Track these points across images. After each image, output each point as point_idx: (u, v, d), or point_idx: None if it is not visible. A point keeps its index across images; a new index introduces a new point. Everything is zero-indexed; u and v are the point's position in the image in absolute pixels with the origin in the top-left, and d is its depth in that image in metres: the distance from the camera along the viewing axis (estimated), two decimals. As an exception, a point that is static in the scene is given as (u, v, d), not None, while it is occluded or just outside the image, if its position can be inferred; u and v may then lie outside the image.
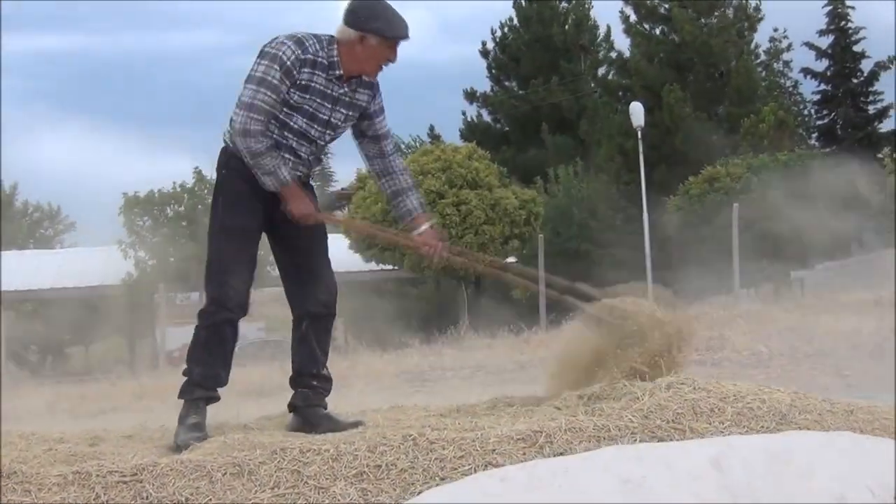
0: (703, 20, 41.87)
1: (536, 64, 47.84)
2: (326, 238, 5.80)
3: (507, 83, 50.59)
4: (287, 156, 5.45)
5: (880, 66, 46.06)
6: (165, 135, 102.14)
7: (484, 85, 50.20)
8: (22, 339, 43.34)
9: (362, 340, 19.25)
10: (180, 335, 48.16)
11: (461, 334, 19.52)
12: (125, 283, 36.54)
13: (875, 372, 10.43)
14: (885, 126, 45.84)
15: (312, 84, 5.37)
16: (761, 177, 32.99)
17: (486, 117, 50.17)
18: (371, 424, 5.31)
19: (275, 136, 5.41)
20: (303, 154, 5.49)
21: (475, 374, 12.44)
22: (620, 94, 43.93)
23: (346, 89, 5.47)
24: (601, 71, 48.95)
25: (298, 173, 5.53)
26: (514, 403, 5.99)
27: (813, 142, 46.68)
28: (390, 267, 27.92)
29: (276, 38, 5.38)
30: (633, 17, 43.85)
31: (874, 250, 33.34)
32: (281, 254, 5.72)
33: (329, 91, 5.42)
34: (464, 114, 49.65)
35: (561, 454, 4.49)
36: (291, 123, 5.40)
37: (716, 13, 42.57)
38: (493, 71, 50.31)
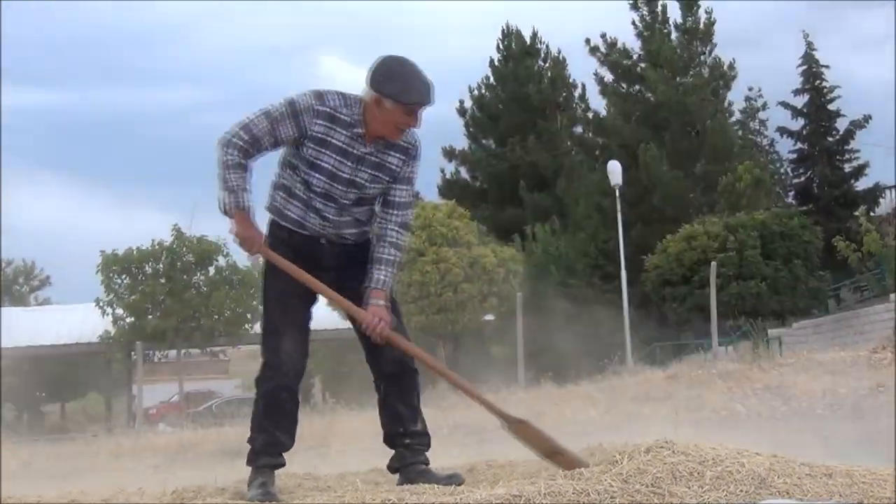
0: (677, 79, 42.22)
1: (513, 122, 48.06)
2: (393, 302, 5.72)
3: (484, 141, 50.79)
4: (312, 216, 5.44)
5: (855, 125, 46.44)
6: (141, 191, 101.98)
7: (461, 142, 50.43)
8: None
9: (340, 399, 19.20)
10: (157, 393, 48.01)
11: (440, 393, 19.47)
12: (102, 342, 36.37)
13: (852, 432, 10.44)
14: (862, 184, 46.16)
15: (330, 139, 5.34)
16: (738, 235, 33.17)
17: (464, 175, 50.36)
18: (350, 488, 5.28)
19: (303, 194, 5.42)
20: (329, 215, 5.44)
21: (453, 434, 12.41)
22: (597, 152, 44.20)
23: (371, 149, 5.41)
24: (578, 129, 49.19)
25: (325, 233, 5.49)
26: (493, 465, 5.98)
27: (790, 200, 46.95)
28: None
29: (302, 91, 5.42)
30: (608, 77, 44.23)
31: (851, 308, 33.48)
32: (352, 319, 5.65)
33: (351, 149, 5.38)
34: (442, 171, 49.81)
35: (540, 518, 4.47)
36: (313, 183, 5.39)
37: (690, 72, 42.95)
38: (471, 129, 50.53)
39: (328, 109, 5.34)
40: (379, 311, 5.44)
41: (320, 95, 5.37)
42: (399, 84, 5.31)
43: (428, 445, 5.68)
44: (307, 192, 5.43)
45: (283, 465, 5.53)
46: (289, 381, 5.47)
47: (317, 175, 5.39)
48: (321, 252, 5.51)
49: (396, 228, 5.58)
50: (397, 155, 5.50)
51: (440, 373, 5.89)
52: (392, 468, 5.66)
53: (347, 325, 5.77)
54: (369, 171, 5.44)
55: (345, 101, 5.39)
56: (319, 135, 5.33)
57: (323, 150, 5.35)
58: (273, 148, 5.42)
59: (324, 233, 5.49)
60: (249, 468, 5.50)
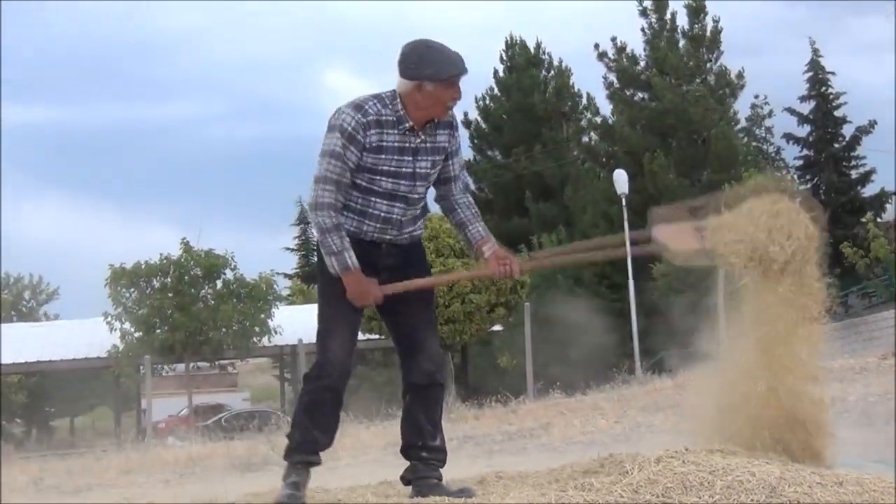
0: (683, 87, 42.23)
1: (519, 132, 48.13)
2: (431, 304, 5.82)
3: (489, 152, 50.86)
4: (370, 222, 5.47)
5: (861, 131, 46.43)
6: (148, 205, 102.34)
7: (467, 153, 50.49)
8: (7, 413, 43.05)
9: (349, 411, 19.15)
10: (166, 407, 47.99)
11: (448, 404, 19.47)
12: (111, 356, 36.40)
13: (861, 440, 10.41)
14: (868, 190, 46.15)
15: (385, 143, 5.38)
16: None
17: (471, 186, 50.40)
18: (360, 501, 5.28)
19: (359, 204, 5.45)
20: (395, 215, 5.49)
21: (463, 445, 12.39)
22: (604, 160, 44.21)
23: (423, 137, 5.48)
24: (584, 138, 49.21)
25: (386, 236, 5.53)
26: (503, 477, 5.98)
27: (797, 207, 46.90)
28: (376, 336, 27.88)
29: (337, 109, 5.44)
30: (615, 83, 44.20)
31: (859, 314, 33.41)
32: (387, 324, 5.73)
33: (406, 145, 5.43)
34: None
35: (551, 530, 4.47)
36: (376, 187, 5.42)
37: (697, 80, 42.94)
38: (476, 141, 50.60)
39: (374, 117, 5.38)
40: (499, 254, 5.65)
41: (360, 107, 5.40)
42: (433, 64, 5.37)
43: (443, 462, 5.69)
44: (367, 197, 5.45)
45: (318, 463, 5.53)
46: (333, 382, 5.48)
47: (380, 178, 5.42)
48: (378, 255, 5.55)
49: (463, 193, 5.78)
50: (445, 132, 5.59)
51: (559, 260, 6.00)
52: (405, 480, 5.66)
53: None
54: (428, 157, 5.53)
55: (382, 102, 5.44)
56: (374, 143, 5.37)
57: (381, 156, 5.39)
58: (350, 175, 5.42)
59: (385, 237, 5.53)
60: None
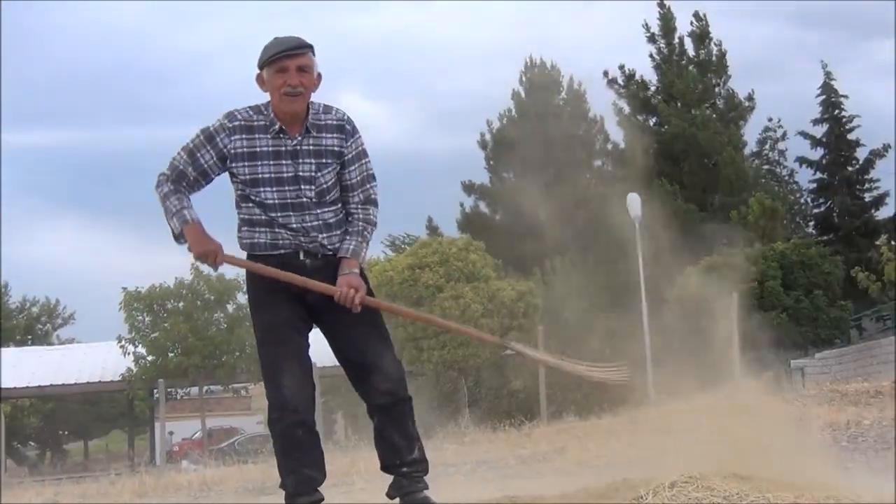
0: (692, 111, 42.29)
1: (533, 155, 48.12)
2: (379, 321, 5.66)
3: (504, 174, 50.86)
4: (279, 230, 5.41)
5: (875, 154, 46.37)
6: (159, 229, 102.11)
7: (482, 175, 50.45)
8: (21, 436, 43.04)
9: (362, 436, 19.15)
10: (180, 430, 48.00)
11: (462, 428, 19.44)
12: (125, 380, 36.44)
13: (877, 464, 10.38)
14: (882, 213, 46.08)
15: (258, 149, 5.38)
16: (759, 266, 33.09)
17: (484, 208, 50.35)
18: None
19: (261, 217, 5.41)
20: (293, 223, 5.41)
21: (476, 469, 12.36)
22: (617, 185, 44.27)
23: (299, 139, 5.42)
24: (598, 162, 49.23)
25: (300, 244, 5.44)
26: (517, 501, 5.99)
27: (810, 230, 46.91)
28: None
29: None
30: (626, 110, 44.34)
31: (873, 337, 33.33)
32: (335, 348, 5.61)
33: (282, 148, 5.40)
34: (462, 205, 49.82)
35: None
36: (264, 199, 5.39)
37: (705, 105, 43.02)
38: (491, 162, 50.60)
39: (241, 123, 5.40)
40: (351, 280, 5.43)
41: (230, 114, 5.44)
42: (262, 53, 5.43)
43: (426, 471, 5.64)
44: (266, 212, 5.41)
45: (321, 500, 5.44)
46: (300, 417, 5.39)
47: (264, 188, 5.39)
48: (302, 269, 5.46)
49: (360, 205, 5.60)
50: (332, 135, 5.51)
51: (426, 320, 6.05)
52: (390, 496, 5.63)
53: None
54: (311, 160, 5.45)
55: (256, 109, 5.46)
56: (245, 149, 5.38)
57: (256, 163, 5.38)
58: (203, 178, 5.47)
59: (298, 244, 5.45)
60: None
